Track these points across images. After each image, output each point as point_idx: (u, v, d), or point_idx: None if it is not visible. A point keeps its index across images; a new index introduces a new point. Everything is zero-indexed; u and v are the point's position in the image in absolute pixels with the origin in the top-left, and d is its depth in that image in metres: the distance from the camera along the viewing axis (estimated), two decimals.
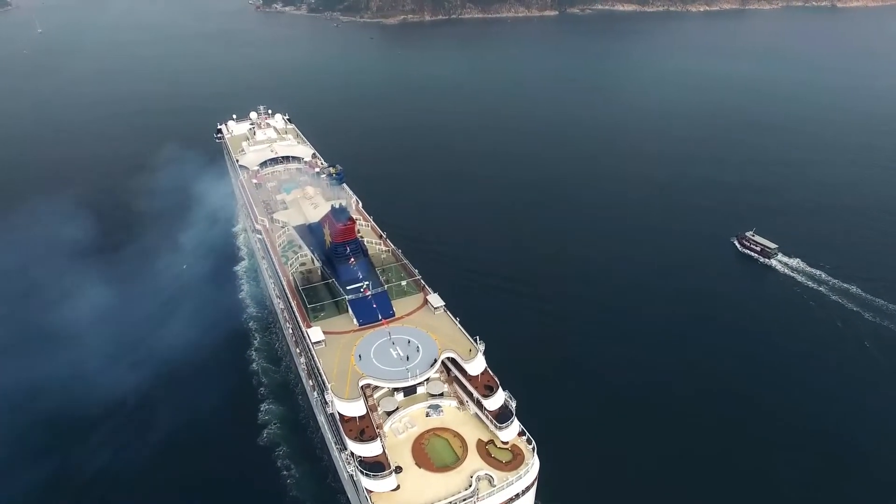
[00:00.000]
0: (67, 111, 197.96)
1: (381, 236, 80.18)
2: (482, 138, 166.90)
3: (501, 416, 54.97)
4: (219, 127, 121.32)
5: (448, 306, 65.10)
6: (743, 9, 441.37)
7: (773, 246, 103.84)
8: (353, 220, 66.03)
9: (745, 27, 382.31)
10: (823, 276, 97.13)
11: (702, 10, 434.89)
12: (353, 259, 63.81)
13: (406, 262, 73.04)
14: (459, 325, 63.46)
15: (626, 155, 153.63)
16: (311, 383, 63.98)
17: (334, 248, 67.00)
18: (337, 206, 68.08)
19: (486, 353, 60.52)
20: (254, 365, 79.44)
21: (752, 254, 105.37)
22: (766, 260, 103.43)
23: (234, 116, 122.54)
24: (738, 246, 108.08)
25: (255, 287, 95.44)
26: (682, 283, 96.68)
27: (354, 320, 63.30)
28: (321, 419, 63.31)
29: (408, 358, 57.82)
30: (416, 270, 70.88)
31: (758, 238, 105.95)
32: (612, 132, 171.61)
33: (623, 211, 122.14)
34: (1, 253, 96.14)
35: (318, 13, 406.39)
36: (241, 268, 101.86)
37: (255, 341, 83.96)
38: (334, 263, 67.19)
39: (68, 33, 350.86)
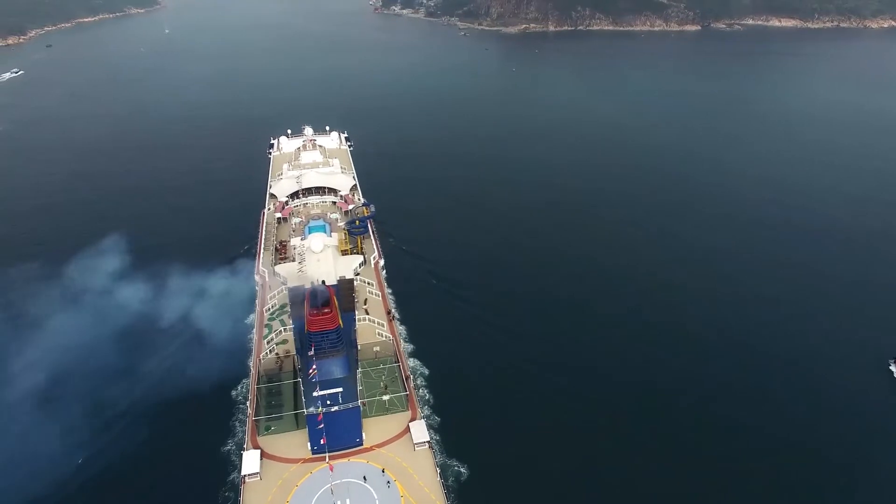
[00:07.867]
0: (154, 117, 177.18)
1: (389, 313, 63.89)
2: (585, 189, 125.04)
3: None
4: (271, 141, 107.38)
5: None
6: None
7: None
8: (330, 310, 49.95)
9: None
10: None
11: (885, 25, 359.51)
12: (314, 368, 47.84)
13: (405, 361, 55.93)
14: (440, 477, 45.66)
15: (760, 221, 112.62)
16: None
17: (308, 336, 51.66)
18: (318, 284, 52.58)
19: None
20: None
21: None
22: None
23: (289, 131, 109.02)
24: None
25: None
26: (807, 422, 67.68)
27: (309, 444, 47.83)
28: None
29: None
30: (412, 377, 53.70)
31: None
32: (747, 189, 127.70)
33: (740, 292, 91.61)
34: None
35: (436, 17, 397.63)
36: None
37: None
38: (305, 356, 51.99)
39: (191, 34, 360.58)
